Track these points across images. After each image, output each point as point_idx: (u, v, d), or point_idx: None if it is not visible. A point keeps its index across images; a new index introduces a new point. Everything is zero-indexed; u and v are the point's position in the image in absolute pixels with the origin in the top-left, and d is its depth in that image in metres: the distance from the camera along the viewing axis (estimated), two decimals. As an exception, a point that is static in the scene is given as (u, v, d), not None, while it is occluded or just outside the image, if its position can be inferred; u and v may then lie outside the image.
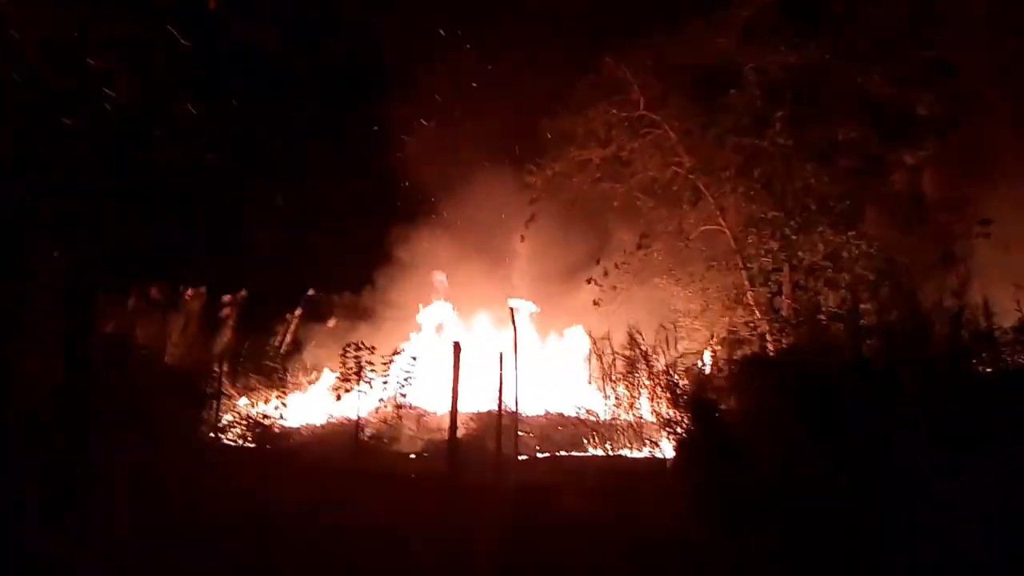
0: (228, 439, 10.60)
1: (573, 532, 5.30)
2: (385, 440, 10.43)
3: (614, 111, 13.88)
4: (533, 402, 11.64)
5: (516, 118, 15.55)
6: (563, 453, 10.57)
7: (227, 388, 11.45)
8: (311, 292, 14.98)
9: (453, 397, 8.00)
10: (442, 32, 16.12)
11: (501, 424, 8.93)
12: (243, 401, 11.62)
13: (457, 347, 8.34)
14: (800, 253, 12.65)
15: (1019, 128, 12.36)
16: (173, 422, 9.06)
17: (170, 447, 7.89)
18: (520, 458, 9.67)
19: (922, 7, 12.60)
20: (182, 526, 5.66)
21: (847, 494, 4.45)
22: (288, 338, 14.87)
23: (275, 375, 12.14)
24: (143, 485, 6.32)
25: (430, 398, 11.82)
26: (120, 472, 6.41)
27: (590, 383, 12.13)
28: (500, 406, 8.97)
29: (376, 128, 15.95)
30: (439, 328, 14.86)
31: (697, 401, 5.49)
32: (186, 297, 13.66)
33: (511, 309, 10.38)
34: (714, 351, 11.65)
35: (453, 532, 5.72)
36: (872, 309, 10.70)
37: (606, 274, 13.99)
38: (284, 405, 10.93)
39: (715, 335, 11.79)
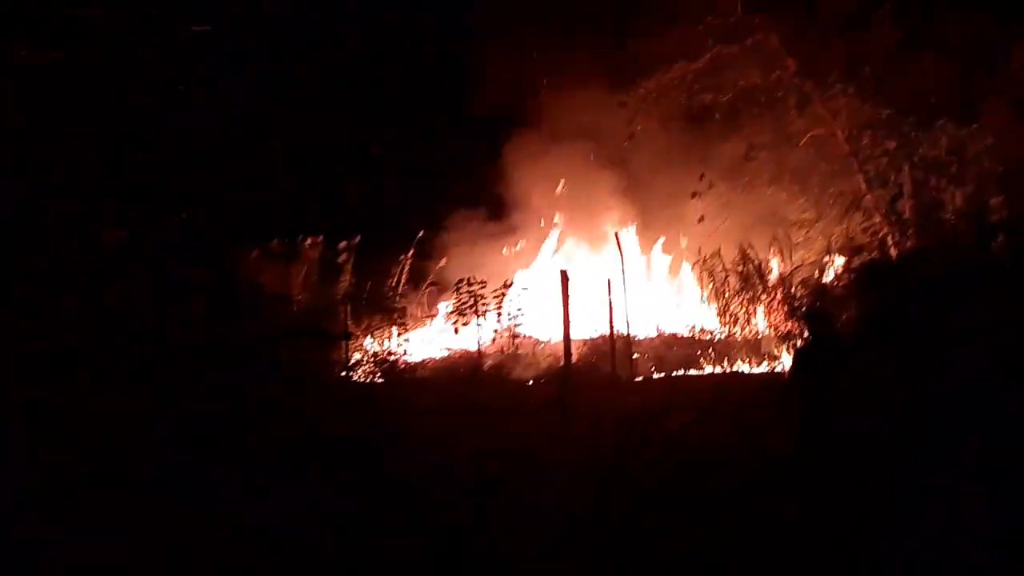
0: (357, 377, 11.26)
1: (686, 450, 5.47)
2: (504, 369, 10.83)
3: (708, 18, 13.36)
4: (645, 324, 11.70)
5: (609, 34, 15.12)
6: (678, 373, 10.65)
7: (352, 328, 12.10)
8: (422, 233, 15.41)
9: (564, 325, 8.22)
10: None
11: (614, 347, 9.09)
12: (368, 341, 12.28)
13: (565, 276, 8.51)
14: (920, 150, 11.98)
15: None
16: (306, 363, 9.71)
17: (307, 386, 8.50)
18: (636, 379, 9.84)
19: None
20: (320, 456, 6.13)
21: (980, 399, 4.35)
22: (403, 278, 15.41)
23: (395, 314, 12.72)
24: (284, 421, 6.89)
25: (543, 327, 12.12)
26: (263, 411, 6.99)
27: (703, 301, 12.05)
28: (612, 330, 9.12)
29: (467, 59, 15.91)
30: (550, 254, 15.03)
31: (813, 310, 5.41)
32: (304, 246, 14.37)
33: (615, 234, 10.41)
34: (831, 260, 11.32)
35: (571, 452, 5.98)
36: (1002, 204, 10.11)
37: (711, 186, 13.69)
38: (407, 341, 11.49)
39: (832, 243, 11.40)
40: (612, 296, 9.63)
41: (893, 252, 10.32)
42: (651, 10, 14.10)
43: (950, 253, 6.70)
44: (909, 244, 9.69)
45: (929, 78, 12.02)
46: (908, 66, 12.17)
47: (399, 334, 11.61)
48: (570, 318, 8.44)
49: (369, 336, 12.50)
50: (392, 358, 11.37)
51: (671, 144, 14.43)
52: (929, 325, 4.57)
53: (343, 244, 13.85)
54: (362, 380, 11.02)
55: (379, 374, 11.25)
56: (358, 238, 14.32)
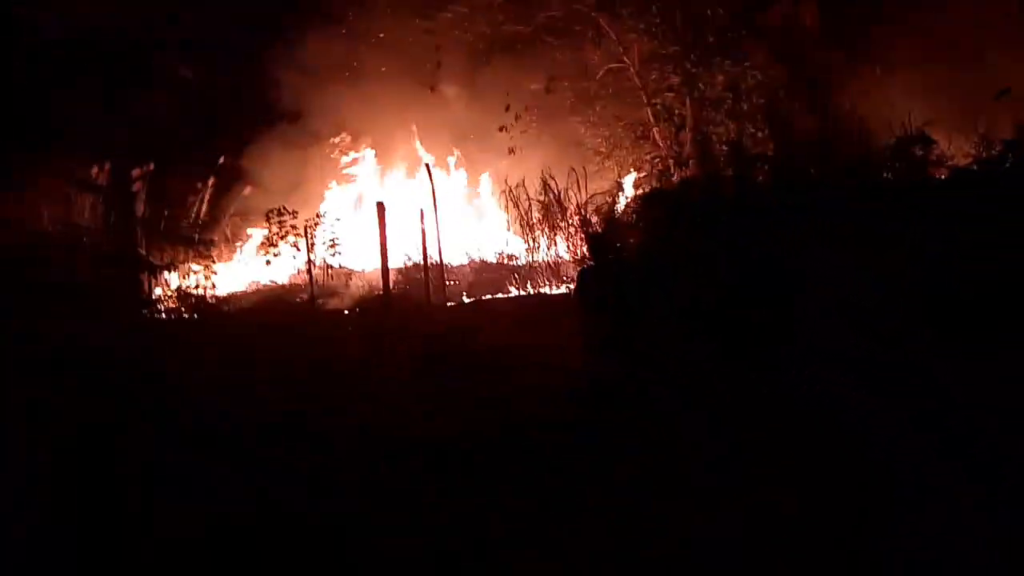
0: (163, 313, 10.83)
1: (492, 353, 6.16)
2: (318, 301, 10.88)
3: (513, -54, 13.62)
4: (457, 252, 12.16)
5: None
6: (487, 296, 11.26)
7: (154, 261, 11.53)
8: (222, 160, 14.71)
9: (382, 255, 8.44)
10: None
11: (428, 275, 9.46)
12: (168, 274, 11.74)
13: (381, 207, 8.68)
14: (701, 85, 13.15)
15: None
16: (106, 300, 9.24)
17: (108, 324, 8.15)
18: (448, 304, 10.32)
19: None
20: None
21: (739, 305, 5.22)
22: (204, 208, 14.72)
23: (198, 245, 12.23)
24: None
25: (356, 257, 12.21)
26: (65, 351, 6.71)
27: (509, 229, 12.67)
28: (425, 259, 9.47)
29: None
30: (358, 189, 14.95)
31: (592, 236, 6.11)
32: (92, 174, 13.30)
33: (426, 165, 10.65)
34: (622, 188, 12.29)
35: (389, 359, 6.45)
36: (766, 137, 11.45)
37: (517, 118, 14.25)
38: (214, 274, 11.14)
39: (622, 172, 12.38)
40: (424, 225, 9.93)
41: (675, 180, 11.43)
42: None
43: (717, 181, 7.66)
44: (688, 173, 10.78)
45: (708, 19, 13.14)
46: (691, 6, 13.20)
47: (205, 267, 11.22)
48: (387, 248, 8.66)
49: (169, 271, 11.98)
50: (198, 292, 11.03)
51: (478, 74, 14.72)
52: (694, 244, 5.34)
53: (137, 171, 12.97)
54: (167, 317, 10.64)
55: (184, 310, 10.90)
56: (152, 164, 13.46)
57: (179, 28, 14.38)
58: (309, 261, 10.83)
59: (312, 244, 10.50)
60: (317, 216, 10.85)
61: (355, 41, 15.33)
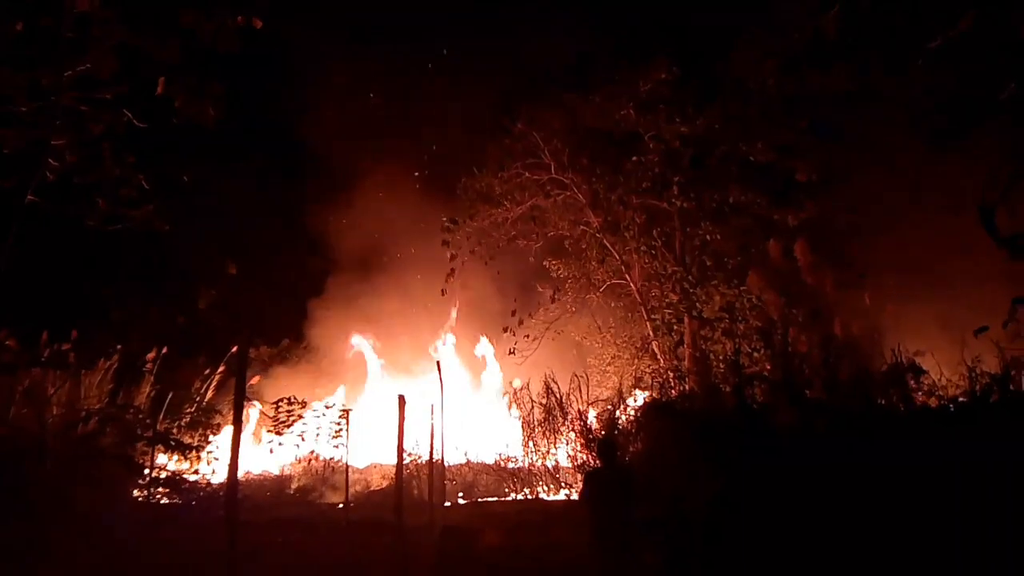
0: (157, 498, 10.67)
1: (492, 554, 6.09)
2: (313, 493, 10.78)
3: (526, 174, 14.94)
4: (456, 451, 12.19)
5: (434, 177, 16.40)
6: (483, 500, 11.13)
7: (153, 451, 11.53)
8: (234, 349, 15.13)
9: (399, 446, 8.44)
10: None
11: (433, 474, 9.47)
12: (164, 459, 11.69)
13: (402, 400, 8.78)
14: (698, 305, 13.86)
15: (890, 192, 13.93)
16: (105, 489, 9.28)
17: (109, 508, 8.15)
18: (445, 505, 10.21)
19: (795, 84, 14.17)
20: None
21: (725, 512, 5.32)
22: (209, 393, 14.92)
23: (200, 428, 12.28)
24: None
25: (353, 451, 12.21)
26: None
27: (511, 429, 12.76)
28: (431, 456, 9.52)
29: (298, 192, 16.58)
30: (367, 380, 15.30)
31: (602, 441, 6.26)
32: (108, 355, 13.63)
33: (438, 363, 10.99)
34: (624, 397, 12.55)
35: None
36: (763, 357, 11.88)
37: (521, 323, 14.86)
38: (216, 460, 11.09)
39: (623, 381, 12.69)
40: (432, 421, 10.06)
41: (674, 393, 11.71)
42: (482, 157, 15.52)
43: (714, 397, 7.94)
44: (686, 387, 11.08)
45: (708, 243, 14.13)
46: (692, 232, 14.25)
47: (205, 451, 11.21)
48: (403, 441, 8.69)
49: (166, 455, 11.93)
50: (194, 478, 10.94)
51: (491, 281, 15.63)
52: (690, 457, 5.53)
53: (151, 355, 13.34)
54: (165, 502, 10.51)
55: (176, 497, 10.75)
56: (165, 349, 13.86)
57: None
58: (312, 451, 10.85)
59: (317, 435, 10.55)
60: (326, 407, 10.98)
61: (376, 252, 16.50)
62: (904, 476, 5.72)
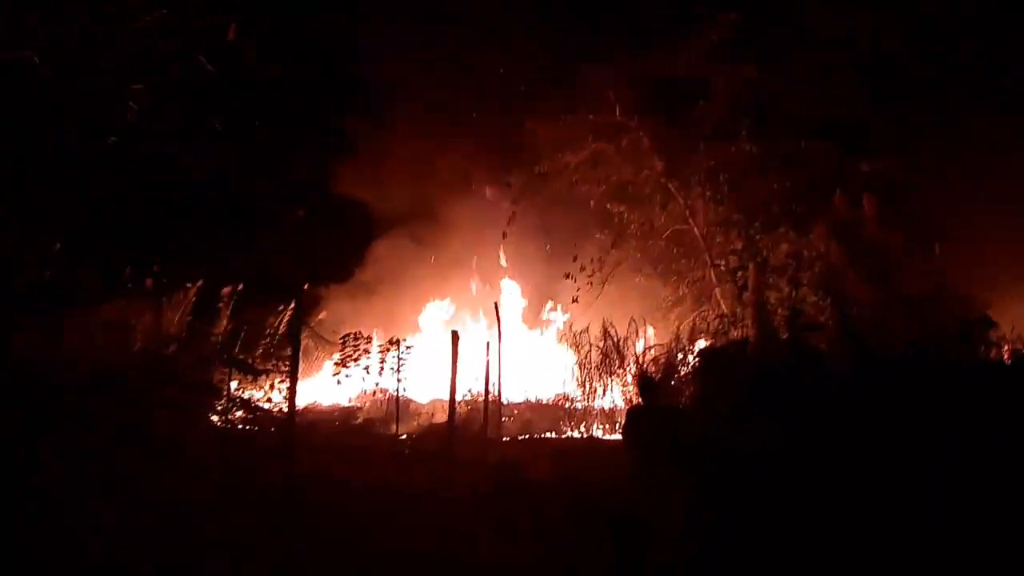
0: (233, 425, 11.33)
1: (540, 489, 6.44)
2: (378, 424, 11.27)
3: (591, 116, 14.77)
4: (516, 389, 12.49)
5: (497, 125, 16.39)
6: (540, 436, 11.43)
7: (230, 376, 12.17)
8: (306, 286, 15.69)
9: (452, 382, 8.79)
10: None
11: (488, 410, 9.78)
12: (238, 386, 12.35)
13: (455, 336, 9.12)
14: (764, 252, 13.65)
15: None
16: (184, 412, 9.89)
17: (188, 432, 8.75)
18: (503, 439, 10.55)
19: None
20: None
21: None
22: (282, 328, 15.52)
23: (273, 360, 12.90)
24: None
25: (416, 387, 12.67)
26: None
27: (569, 372, 12.99)
28: (487, 393, 9.82)
29: (359, 140, 16.92)
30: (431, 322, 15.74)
31: (642, 380, 6.43)
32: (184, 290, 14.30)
33: (495, 304, 11.22)
34: (682, 342, 12.58)
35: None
36: (826, 306, 11.72)
37: (582, 269, 14.91)
38: (281, 390, 11.66)
39: (681, 327, 12.70)
40: (489, 359, 10.36)
41: (733, 337, 11.68)
42: (544, 102, 15.40)
43: (772, 343, 7.94)
44: (746, 333, 11.03)
45: (775, 191, 13.84)
46: (758, 178, 13.96)
47: (279, 382, 11.80)
48: (456, 377, 9.04)
49: (242, 384, 12.59)
50: (267, 406, 11.54)
51: (552, 226, 15.70)
52: (740, 402, 5.61)
53: (227, 290, 13.92)
54: (239, 428, 11.14)
55: (252, 423, 11.37)
56: (240, 285, 14.42)
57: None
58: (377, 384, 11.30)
59: (382, 369, 10.96)
60: (390, 341, 11.36)
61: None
62: (968, 429, 5.67)
